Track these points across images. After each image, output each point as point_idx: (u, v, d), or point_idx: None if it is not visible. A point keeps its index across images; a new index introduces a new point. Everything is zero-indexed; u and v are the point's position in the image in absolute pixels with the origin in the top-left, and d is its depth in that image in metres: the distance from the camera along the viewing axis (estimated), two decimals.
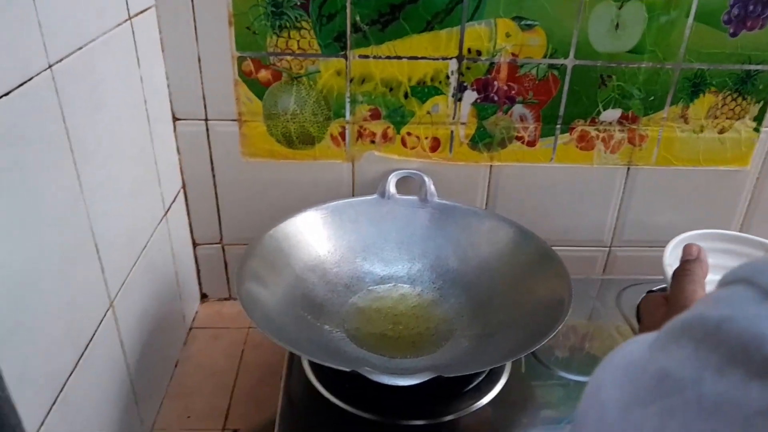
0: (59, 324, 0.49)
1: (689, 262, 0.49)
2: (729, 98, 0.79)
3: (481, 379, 0.63)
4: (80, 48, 0.52)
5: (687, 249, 0.50)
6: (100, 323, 0.56)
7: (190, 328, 0.85)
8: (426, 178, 0.78)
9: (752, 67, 0.77)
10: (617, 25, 0.73)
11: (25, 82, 0.44)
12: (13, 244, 0.43)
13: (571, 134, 0.80)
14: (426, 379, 0.51)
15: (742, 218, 0.87)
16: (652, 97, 0.78)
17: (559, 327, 0.57)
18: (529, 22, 0.73)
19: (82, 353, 0.52)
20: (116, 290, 0.59)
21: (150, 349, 0.69)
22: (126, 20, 0.62)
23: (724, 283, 0.25)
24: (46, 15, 0.46)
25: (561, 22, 0.73)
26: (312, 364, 0.65)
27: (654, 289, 0.63)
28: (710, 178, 0.83)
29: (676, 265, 0.50)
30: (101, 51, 0.56)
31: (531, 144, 0.80)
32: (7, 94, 0.41)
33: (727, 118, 0.80)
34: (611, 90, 0.77)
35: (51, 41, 0.47)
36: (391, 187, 0.78)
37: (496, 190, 0.83)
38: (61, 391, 0.49)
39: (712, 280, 0.48)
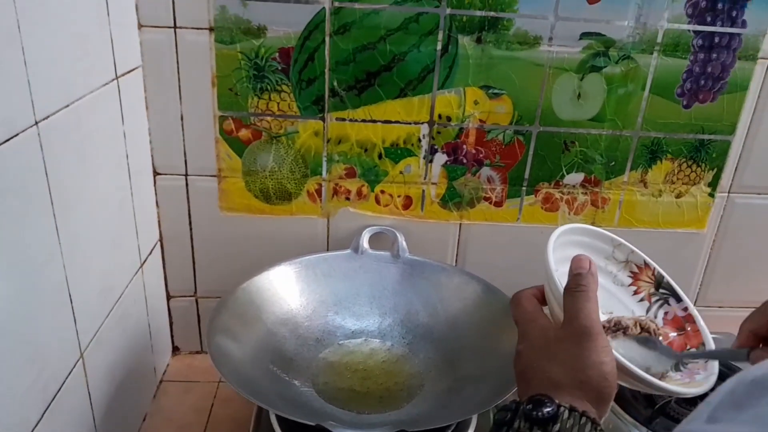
0: (27, 373, 0.49)
1: (582, 276, 0.46)
2: (684, 165, 0.84)
3: None
4: (67, 106, 0.55)
5: (577, 262, 0.48)
6: (69, 374, 0.56)
7: (161, 381, 0.84)
8: (398, 235, 0.81)
9: (705, 136, 0.82)
10: (579, 95, 0.78)
11: (11, 138, 0.46)
12: None
13: (536, 196, 0.83)
14: None
15: (701, 278, 0.91)
16: (613, 163, 0.83)
17: None
18: (496, 91, 0.77)
19: (49, 404, 0.53)
20: (87, 341, 0.60)
21: (118, 402, 0.68)
22: (113, 80, 0.65)
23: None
24: (35, 74, 0.49)
25: (526, 91, 0.78)
26: (280, 419, 0.65)
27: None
28: (670, 240, 0.87)
29: (560, 264, 0.48)
30: (87, 108, 0.59)
31: (498, 204, 0.84)
32: None
33: (683, 184, 0.85)
34: (574, 155, 0.82)
35: (39, 99, 0.49)
36: (365, 243, 0.80)
37: (465, 247, 0.86)
38: None
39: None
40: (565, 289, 0.47)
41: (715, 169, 0.84)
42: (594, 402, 0.43)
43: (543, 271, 0.50)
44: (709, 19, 0.75)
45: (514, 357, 0.48)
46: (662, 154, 0.83)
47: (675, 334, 0.55)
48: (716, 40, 0.77)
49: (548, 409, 0.40)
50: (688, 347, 0.53)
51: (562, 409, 0.40)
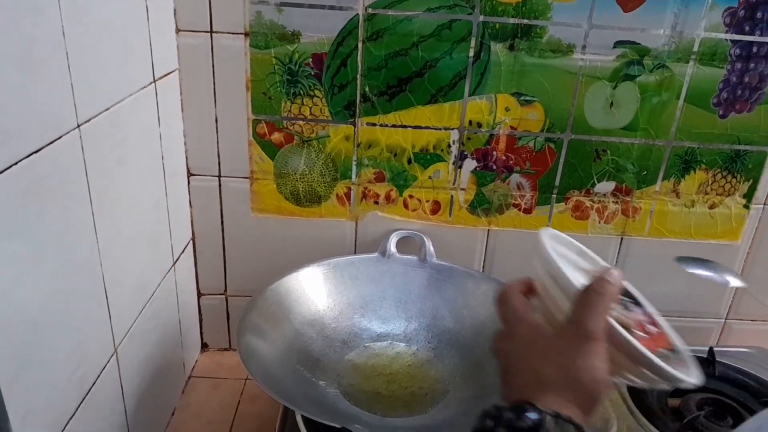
0: (65, 367, 0.51)
1: (609, 283, 0.45)
2: (719, 175, 0.82)
3: None
4: (107, 108, 0.56)
5: (609, 272, 0.46)
6: (104, 369, 0.58)
7: (189, 377, 0.86)
8: (426, 239, 0.81)
9: (741, 147, 0.81)
10: (612, 103, 0.78)
11: (54, 141, 0.48)
12: (29, 288, 0.45)
13: (566, 204, 0.83)
14: None
15: (734, 290, 0.89)
16: (645, 172, 0.82)
17: None
18: (528, 98, 0.77)
19: (85, 396, 0.54)
20: (121, 337, 0.62)
21: (149, 396, 0.70)
22: (151, 83, 0.67)
23: None
24: (78, 78, 0.50)
25: (558, 99, 0.77)
26: (305, 419, 0.66)
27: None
28: (702, 251, 0.85)
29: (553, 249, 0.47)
30: (126, 111, 0.60)
31: (527, 211, 0.83)
32: (37, 151, 0.45)
33: (717, 194, 0.83)
34: (605, 163, 0.81)
35: (81, 103, 0.51)
36: (392, 247, 0.81)
37: (492, 253, 0.86)
38: None
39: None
40: (585, 287, 0.45)
41: (751, 180, 0.83)
42: (581, 405, 0.42)
43: (539, 266, 0.49)
44: (747, 28, 0.74)
45: (497, 356, 0.47)
46: (696, 164, 0.81)
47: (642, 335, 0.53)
48: (754, 49, 0.75)
49: (532, 417, 0.39)
50: (658, 349, 0.52)
51: (547, 417, 0.39)
